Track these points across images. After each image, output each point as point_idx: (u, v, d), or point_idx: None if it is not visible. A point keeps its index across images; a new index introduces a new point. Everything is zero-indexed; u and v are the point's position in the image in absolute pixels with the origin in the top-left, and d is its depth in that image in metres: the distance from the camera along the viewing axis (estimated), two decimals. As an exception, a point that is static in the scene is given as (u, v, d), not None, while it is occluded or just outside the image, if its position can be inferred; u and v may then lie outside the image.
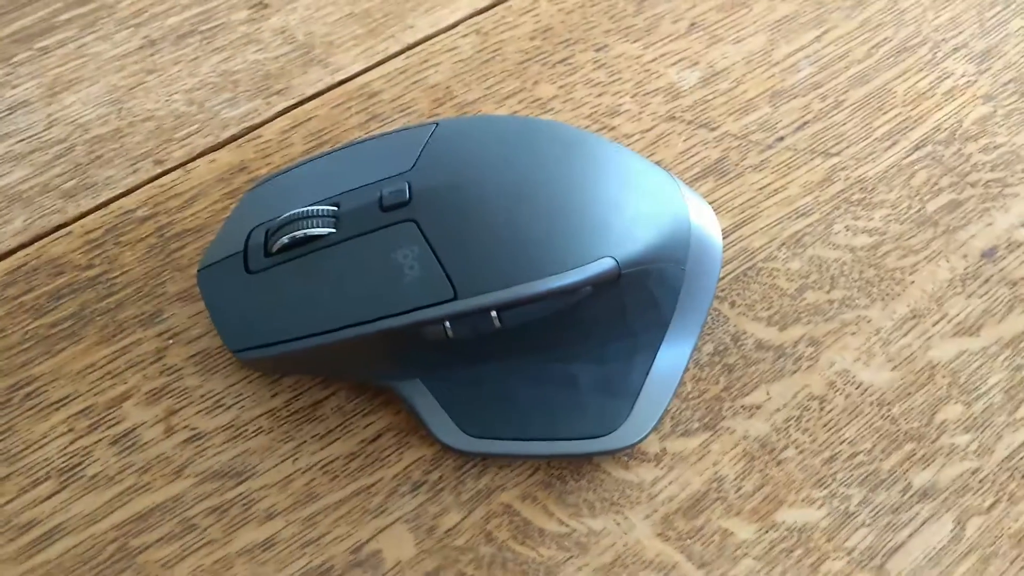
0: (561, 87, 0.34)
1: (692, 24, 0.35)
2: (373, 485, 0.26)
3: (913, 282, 0.29)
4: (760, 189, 0.31)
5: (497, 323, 0.24)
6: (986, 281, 0.29)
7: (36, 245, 0.30)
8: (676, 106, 0.33)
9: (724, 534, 0.25)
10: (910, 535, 0.25)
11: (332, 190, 0.26)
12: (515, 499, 0.25)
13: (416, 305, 0.24)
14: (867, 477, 0.26)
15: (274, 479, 0.26)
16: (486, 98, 0.33)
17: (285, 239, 0.26)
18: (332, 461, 0.26)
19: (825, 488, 0.25)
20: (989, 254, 0.30)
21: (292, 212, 0.26)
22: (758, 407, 0.27)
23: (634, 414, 0.25)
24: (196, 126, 0.33)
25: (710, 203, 0.30)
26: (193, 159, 0.32)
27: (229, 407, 0.27)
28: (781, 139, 0.32)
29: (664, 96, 0.33)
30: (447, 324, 0.24)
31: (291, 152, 0.32)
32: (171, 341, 0.28)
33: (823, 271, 0.29)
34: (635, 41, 0.35)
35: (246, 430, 0.26)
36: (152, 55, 0.34)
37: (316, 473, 0.26)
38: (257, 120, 0.33)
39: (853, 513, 0.25)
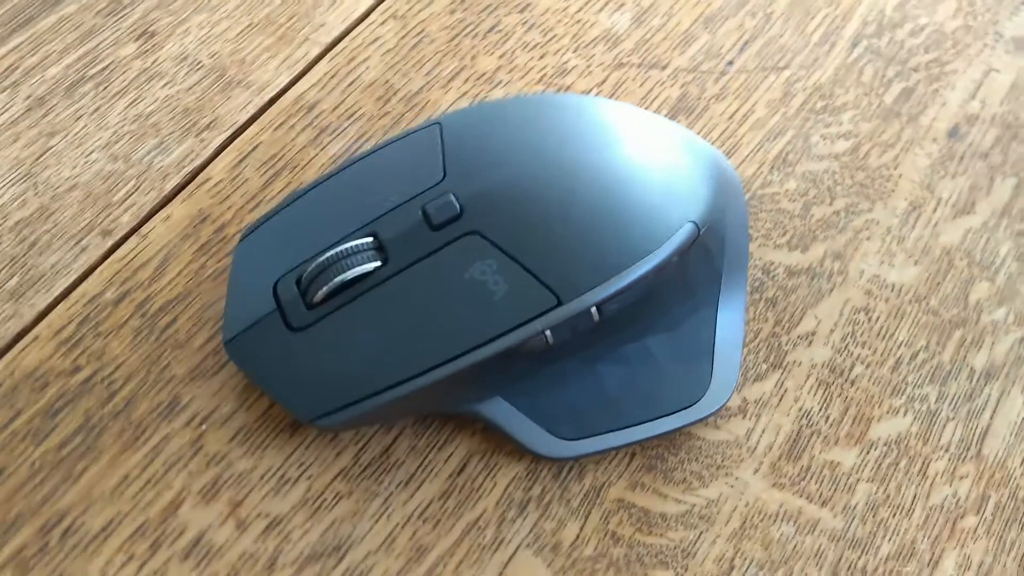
0: (501, 56, 0.31)
1: (601, -34, 0.34)
2: (479, 518, 0.23)
3: (901, 175, 0.29)
4: (730, 118, 0.30)
5: (596, 317, 0.22)
6: (961, 159, 0.29)
7: (2, 362, 0.25)
8: (620, 52, 0.31)
9: (831, 466, 0.24)
10: (991, 417, 0.25)
11: (358, 220, 0.23)
12: (625, 491, 0.24)
13: (518, 322, 0.21)
14: (934, 373, 0.26)
15: (376, 543, 0.23)
16: (430, 85, 0.30)
17: (328, 286, 0.22)
18: (427, 506, 0.23)
19: (902, 395, 0.25)
20: (954, 133, 0.30)
21: (327, 254, 0.23)
22: (813, 333, 0.26)
23: (716, 374, 0.24)
24: (132, 183, 0.28)
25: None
26: (144, 221, 0.27)
27: (296, 480, 0.23)
28: (731, 63, 0.31)
29: (604, 44, 0.32)
30: (547, 332, 0.22)
31: (250, 187, 0.28)
32: (203, 427, 0.24)
33: (819, 184, 0.29)
34: (554, -6, 0.33)
35: (324, 499, 0.23)
36: (46, 115, 0.29)
37: (416, 523, 0.23)
38: (198, 162, 0.28)
39: (935, 411, 0.25)
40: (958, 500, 0.24)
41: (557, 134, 0.24)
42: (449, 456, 0.24)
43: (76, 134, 0.29)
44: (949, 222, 0.28)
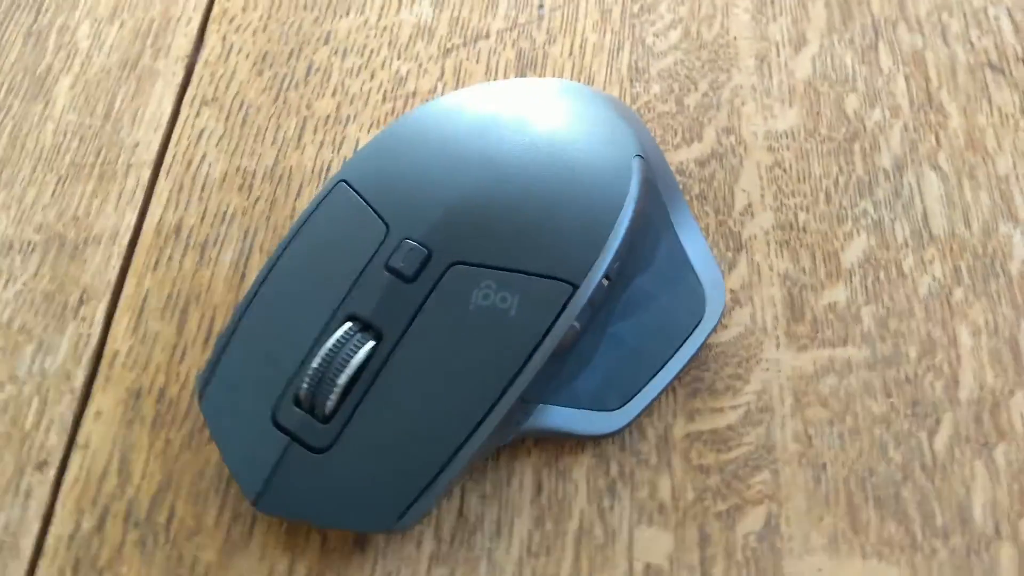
0: (334, 94, 0.28)
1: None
2: (581, 524, 0.21)
3: (735, 38, 0.29)
4: (570, 55, 0.29)
5: (606, 285, 0.20)
6: (772, 2, 0.30)
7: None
8: (439, 39, 0.29)
9: (831, 308, 0.24)
10: (921, 200, 0.26)
11: (324, 310, 0.20)
12: (686, 426, 0.23)
13: (546, 325, 0.19)
14: (859, 189, 0.26)
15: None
16: (284, 151, 0.27)
17: (336, 391, 0.19)
18: (530, 541, 0.21)
19: (847, 219, 0.25)
20: (750, -19, 0.30)
21: (315, 359, 0.20)
22: (749, 205, 0.26)
23: (704, 283, 0.23)
24: (36, 401, 0.23)
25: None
26: (74, 431, 0.23)
27: (397, 589, 0.21)
28: (542, 7, 0.30)
29: (422, 39, 0.29)
30: (575, 321, 0.20)
31: (165, 340, 0.24)
32: (276, 592, 0.21)
33: (676, 77, 0.28)
34: (345, 15, 0.30)
35: (434, 591, 0.21)
36: None
37: (531, 563, 0.21)
38: (93, 342, 0.24)
39: (879, 219, 0.25)
40: (939, 282, 0.24)
41: (466, 137, 0.22)
42: (520, 484, 0.22)
43: (-55, 377, 0.24)
44: (795, 59, 0.28)
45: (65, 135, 0.28)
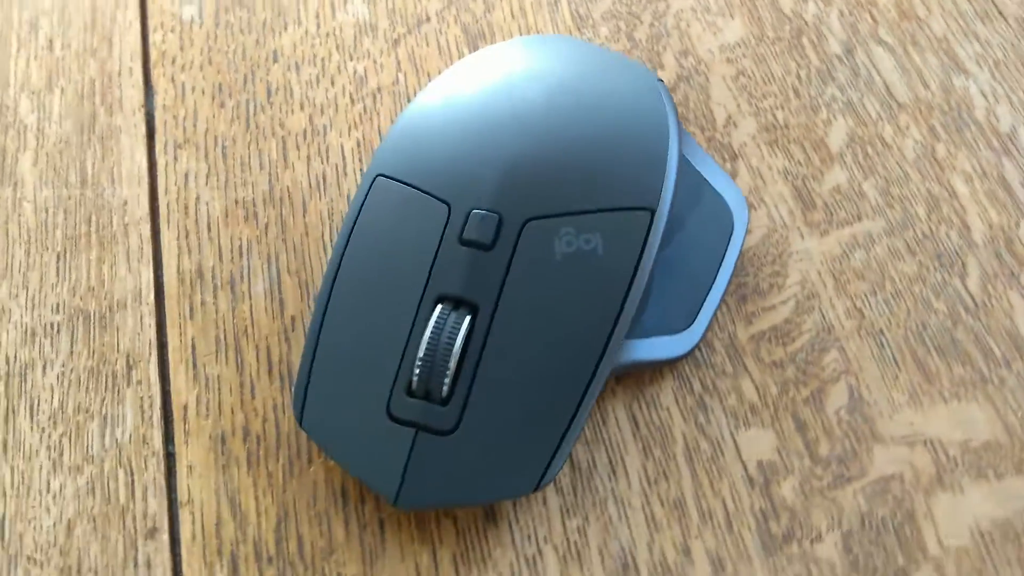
0: (302, 107, 0.28)
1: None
2: (687, 443, 0.22)
3: (665, -33, 0.30)
4: (513, 17, 0.29)
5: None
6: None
7: None
8: (383, 32, 0.29)
9: (837, 190, 0.25)
10: (879, 74, 0.27)
11: (409, 299, 0.20)
12: (747, 329, 0.24)
13: (637, 253, 0.20)
14: (822, 76, 0.27)
15: (643, 531, 0.21)
16: (275, 174, 0.26)
17: (448, 372, 0.19)
18: (645, 472, 0.22)
19: (821, 107, 0.27)
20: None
21: (420, 348, 0.19)
22: (729, 117, 0.27)
23: (727, 199, 0.24)
24: (121, 473, 0.22)
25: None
26: (172, 491, 0.22)
27: (541, 551, 0.21)
28: (475, -22, 0.30)
29: (367, 35, 0.29)
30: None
31: (228, 380, 0.23)
32: (428, 587, 0.21)
33: (620, 15, 0.29)
34: (284, 30, 0.29)
35: (573, 541, 0.21)
36: (-43, 493, 0.22)
37: (653, 490, 0.22)
38: (157, 399, 0.23)
39: (848, 100, 0.27)
40: (921, 143, 0.26)
41: (492, 101, 0.22)
42: (617, 423, 0.22)
43: (34, 491, 0.22)
44: (726, -27, 0.30)
45: (47, 211, 0.26)
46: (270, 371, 0.23)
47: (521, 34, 0.29)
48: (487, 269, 0.20)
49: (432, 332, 0.19)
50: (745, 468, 0.22)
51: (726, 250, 0.24)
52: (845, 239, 0.25)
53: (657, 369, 0.23)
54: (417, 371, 0.20)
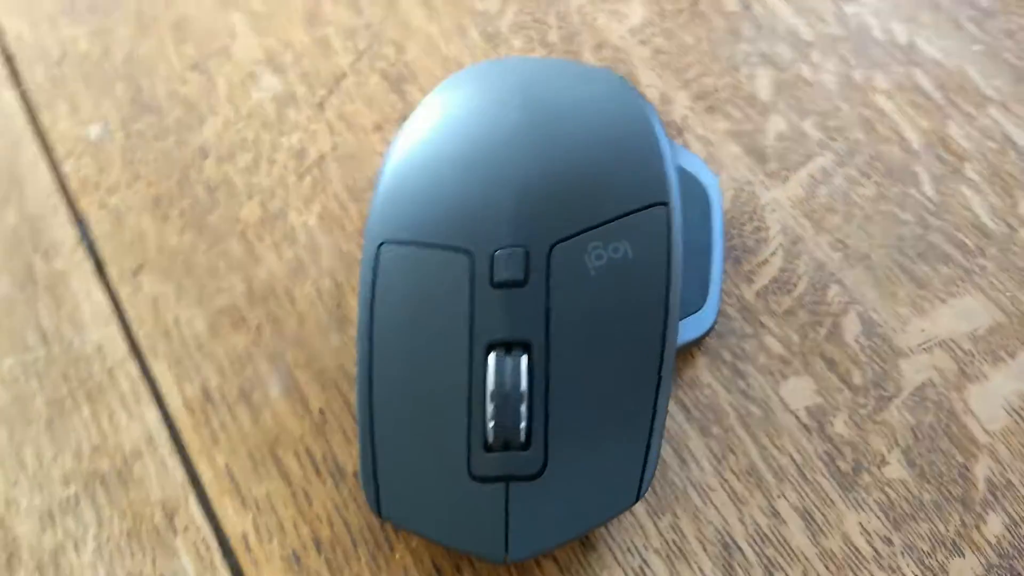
0: (251, 196, 0.26)
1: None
2: (738, 412, 0.23)
3: (550, -33, 0.30)
4: (428, 53, 0.29)
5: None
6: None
7: None
8: (304, 99, 0.28)
9: (779, 138, 0.26)
10: (781, 20, 0.28)
11: (455, 359, 0.19)
12: (750, 287, 0.24)
13: (666, 252, 0.20)
14: (731, 36, 0.28)
15: (731, 510, 0.22)
16: (247, 269, 0.25)
17: (523, 418, 0.19)
18: (712, 451, 0.22)
19: (742, 64, 0.28)
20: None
21: (488, 408, 0.19)
22: (664, 94, 0.27)
23: (695, 171, 0.25)
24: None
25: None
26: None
27: (645, 560, 0.21)
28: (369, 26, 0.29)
29: (289, 106, 0.28)
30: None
31: (286, 489, 0.22)
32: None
33: (526, 24, 0.29)
34: (202, 123, 0.28)
35: (672, 540, 0.21)
36: None
37: (727, 468, 0.22)
38: (212, 541, 0.22)
39: (762, 51, 0.28)
40: (838, 74, 0.27)
41: (470, 139, 0.21)
42: (669, 414, 0.23)
43: None
44: (609, -41, 0.30)
45: (17, 382, 0.24)
46: (318, 472, 0.22)
47: (443, 69, 0.28)
48: (527, 304, 0.20)
49: (496, 383, 0.19)
50: (797, 418, 0.23)
51: (711, 221, 0.24)
52: (804, 180, 0.26)
53: (688, 352, 0.23)
54: (492, 425, 0.19)
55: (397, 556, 0.21)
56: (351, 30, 0.29)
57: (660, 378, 0.20)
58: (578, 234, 0.20)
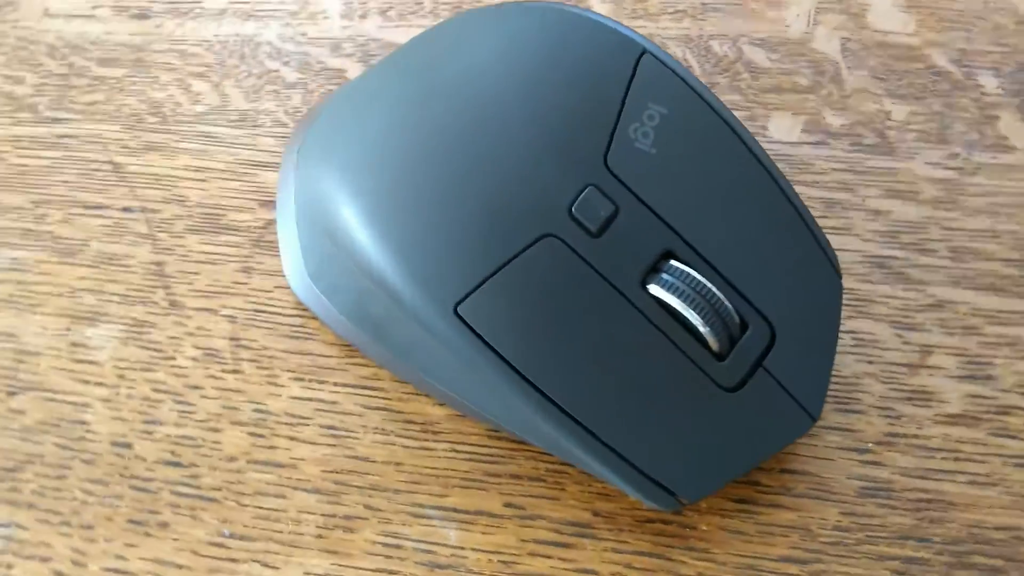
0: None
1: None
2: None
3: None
4: (300, 42, 0.25)
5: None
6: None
7: None
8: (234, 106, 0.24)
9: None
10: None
11: (630, 330, 0.17)
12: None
13: (687, 87, 0.19)
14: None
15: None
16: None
17: (728, 304, 0.18)
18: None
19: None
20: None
21: (695, 314, 0.17)
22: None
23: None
24: None
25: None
26: None
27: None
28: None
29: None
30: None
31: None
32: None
33: None
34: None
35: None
36: None
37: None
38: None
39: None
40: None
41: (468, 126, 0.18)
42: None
43: None
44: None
45: None
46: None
47: (329, 52, 0.24)
48: (635, 223, 0.18)
49: (680, 301, 0.17)
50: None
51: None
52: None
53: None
54: (707, 331, 0.17)
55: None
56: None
57: (796, 208, 0.18)
58: (612, 134, 0.18)
